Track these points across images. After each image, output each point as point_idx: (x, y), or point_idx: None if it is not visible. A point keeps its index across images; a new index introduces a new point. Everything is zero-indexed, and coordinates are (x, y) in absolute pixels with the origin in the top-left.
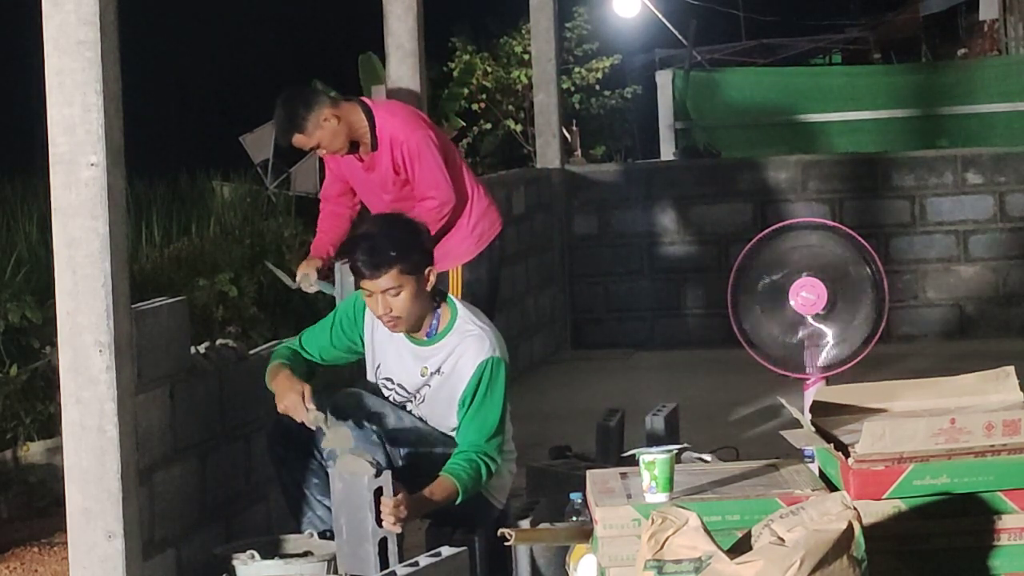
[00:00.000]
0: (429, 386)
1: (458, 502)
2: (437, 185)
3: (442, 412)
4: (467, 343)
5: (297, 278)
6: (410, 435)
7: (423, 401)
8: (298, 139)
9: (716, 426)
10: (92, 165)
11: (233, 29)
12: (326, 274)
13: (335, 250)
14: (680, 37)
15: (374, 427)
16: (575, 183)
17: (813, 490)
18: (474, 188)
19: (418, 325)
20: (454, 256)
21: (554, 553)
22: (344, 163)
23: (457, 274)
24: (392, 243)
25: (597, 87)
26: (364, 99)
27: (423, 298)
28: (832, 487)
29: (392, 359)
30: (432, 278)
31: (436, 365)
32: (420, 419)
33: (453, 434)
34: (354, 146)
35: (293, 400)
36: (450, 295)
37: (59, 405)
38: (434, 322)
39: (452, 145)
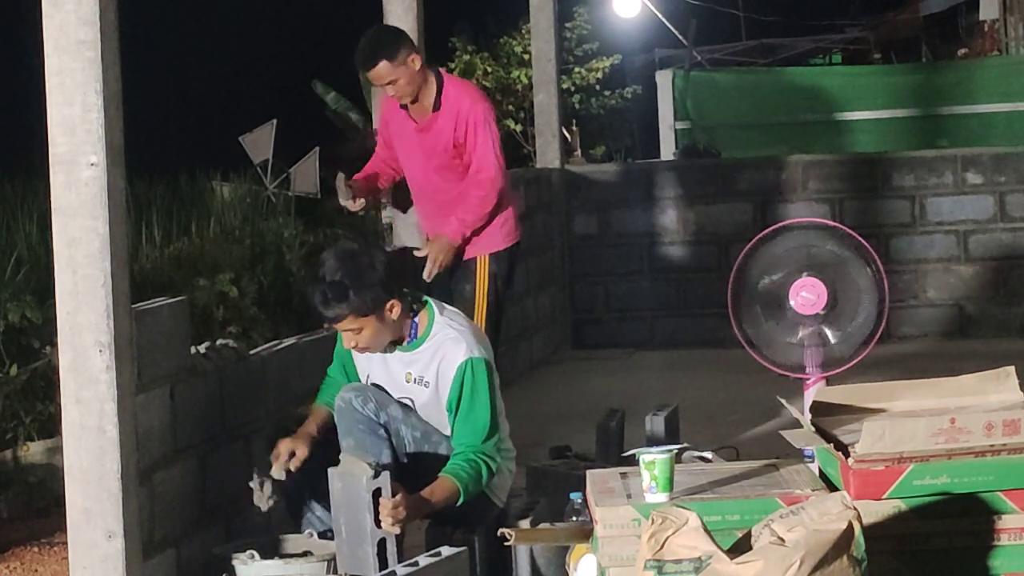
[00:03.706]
0: (412, 399)
1: (460, 503)
2: (493, 160)
3: (438, 423)
4: (446, 348)
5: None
6: (416, 431)
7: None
8: (381, 67)
9: (716, 426)
10: (92, 165)
11: (233, 29)
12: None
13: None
14: (680, 37)
15: (381, 421)
16: (575, 183)
17: (813, 490)
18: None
19: (393, 343)
20: (484, 244)
21: (554, 553)
22: (397, 119)
23: (485, 263)
24: (342, 290)
25: (597, 87)
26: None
27: (388, 327)
28: (832, 487)
29: (378, 367)
30: (395, 309)
31: (420, 372)
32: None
33: None
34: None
35: (282, 450)
36: (427, 298)
37: (59, 405)
38: (413, 328)
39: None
